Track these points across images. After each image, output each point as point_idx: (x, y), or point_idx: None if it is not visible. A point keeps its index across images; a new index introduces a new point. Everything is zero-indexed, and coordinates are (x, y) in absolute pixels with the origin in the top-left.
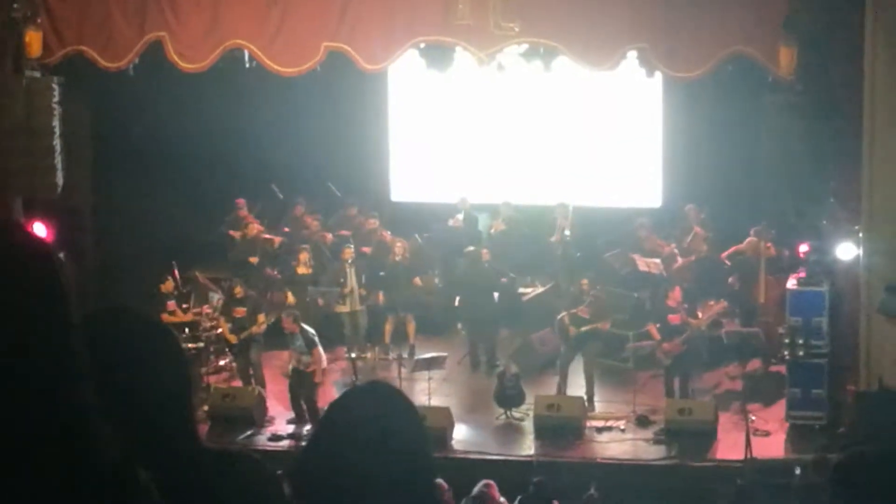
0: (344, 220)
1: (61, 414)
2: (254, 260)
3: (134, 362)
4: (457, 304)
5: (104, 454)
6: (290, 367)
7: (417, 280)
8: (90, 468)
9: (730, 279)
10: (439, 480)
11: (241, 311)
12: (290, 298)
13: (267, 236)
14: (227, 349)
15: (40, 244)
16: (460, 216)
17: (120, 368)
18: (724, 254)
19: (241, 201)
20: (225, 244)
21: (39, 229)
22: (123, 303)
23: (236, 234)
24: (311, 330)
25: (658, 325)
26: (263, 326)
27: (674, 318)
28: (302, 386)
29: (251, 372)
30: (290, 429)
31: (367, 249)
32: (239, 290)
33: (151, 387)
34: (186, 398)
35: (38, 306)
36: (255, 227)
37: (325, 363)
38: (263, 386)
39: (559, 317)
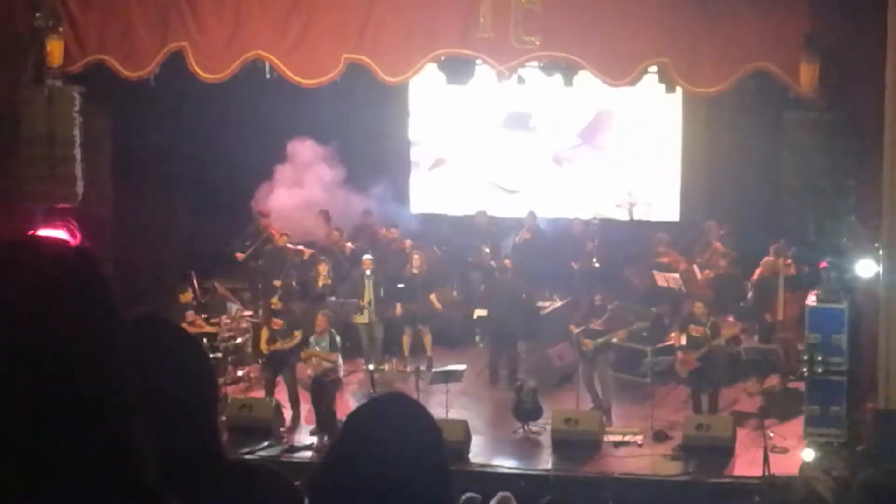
0: (362, 230)
1: (109, 431)
2: (277, 283)
3: (162, 372)
4: (475, 317)
5: (144, 476)
6: (310, 375)
7: (433, 296)
8: (130, 491)
9: (748, 296)
10: (471, 494)
11: (278, 323)
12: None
13: (295, 247)
14: (259, 358)
15: (90, 256)
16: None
17: (148, 378)
18: (753, 278)
19: (266, 210)
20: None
21: (61, 237)
22: (145, 312)
23: (241, 256)
24: (337, 336)
25: (683, 335)
26: (293, 343)
27: (695, 330)
28: (321, 395)
29: (277, 386)
30: (309, 440)
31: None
32: (276, 302)
33: (180, 397)
34: (213, 409)
35: (89, 316)
36: (285, 238)
37: (342, 371)
38: (298, 403)
39: (575, 332)
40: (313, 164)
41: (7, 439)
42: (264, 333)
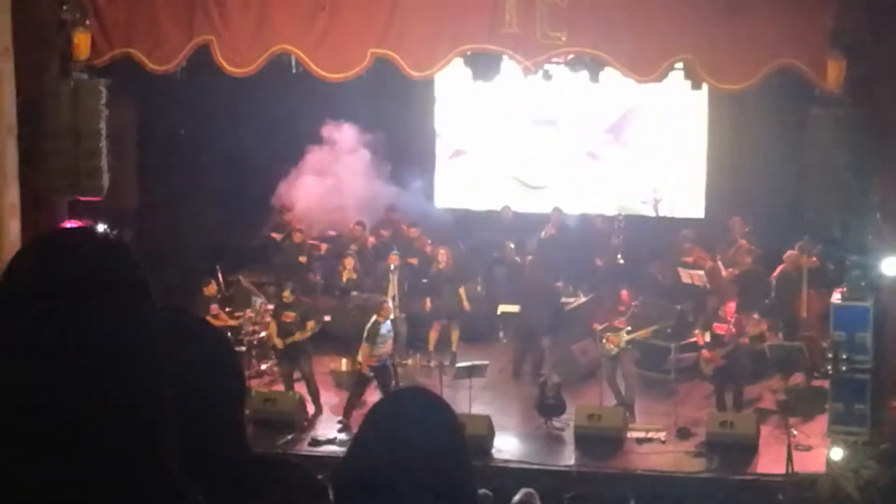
0: (385, 224)
1: (139, 424)
2: (303, 259)
3: (188, 366)
4: (499, 312)
5: (171, 470)
6: (366, 362)
7: (462, 291)
8: (157, 484)
9: (773, 293)
10: (484, 491)
11: (290, 316)
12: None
13: (313, 241)
14: (272, 352)
15: (126, 248)
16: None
17: (174, 372)
18: (774, 275)
19: (290, 205)
20: (268, 248)
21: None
22: (170, 306)
23: (277, 237)
24: None
25: (707, 333)
26: (308, 333)
27: (719, 328)
28: (387, 379)
29: (295, 377)
30: (332, 434)
31: (413, 261)
32: (288, 295)
33: (206, 391)
34: (240, 404)
35: (126, 309)
36: (300, 235)
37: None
38: (317, 395)
39: (599, 330)
40: (340, 156)
41: (36, 431)
42: (272, 327)
